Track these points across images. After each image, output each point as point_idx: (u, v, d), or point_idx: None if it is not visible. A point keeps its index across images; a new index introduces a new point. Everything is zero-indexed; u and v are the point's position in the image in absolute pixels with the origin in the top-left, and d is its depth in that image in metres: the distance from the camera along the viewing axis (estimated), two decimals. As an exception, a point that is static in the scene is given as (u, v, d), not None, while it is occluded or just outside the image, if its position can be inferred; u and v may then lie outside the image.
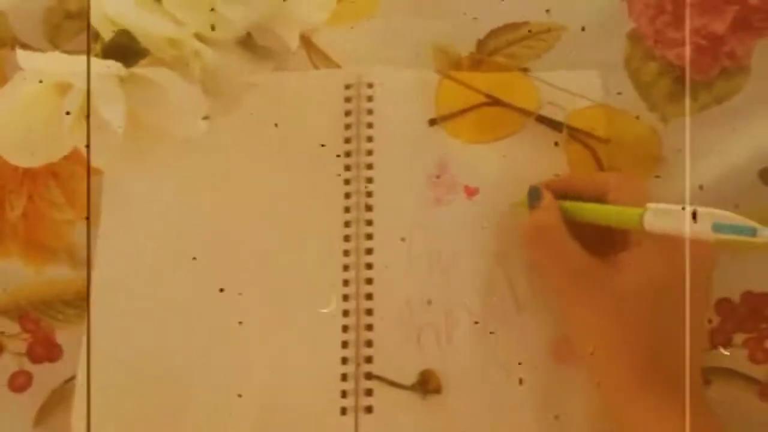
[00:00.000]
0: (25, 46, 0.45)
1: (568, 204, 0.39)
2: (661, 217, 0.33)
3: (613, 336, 0.36)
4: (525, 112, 0.43)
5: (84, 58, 0.35)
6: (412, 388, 0.40)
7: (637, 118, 0.44)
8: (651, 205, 0.34)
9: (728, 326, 0.41)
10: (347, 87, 0.44)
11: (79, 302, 0.41)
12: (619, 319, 0.36)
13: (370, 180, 0.43)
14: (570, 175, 0.42)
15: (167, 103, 0.38)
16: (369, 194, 0.43)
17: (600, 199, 0.38)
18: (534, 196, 0.39)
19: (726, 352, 0.40)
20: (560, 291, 0.38)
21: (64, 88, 0.36)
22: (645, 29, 0.46)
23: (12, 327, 0.41)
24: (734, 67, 0.45)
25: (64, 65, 0.35)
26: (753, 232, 0.29)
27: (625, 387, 0.35)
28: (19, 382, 0.40)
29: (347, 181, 0.43)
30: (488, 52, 0.46)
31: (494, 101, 0.44)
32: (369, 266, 0.41)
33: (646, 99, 0.45)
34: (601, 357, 0.36)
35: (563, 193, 0.39)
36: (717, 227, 0.30)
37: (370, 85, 0.44)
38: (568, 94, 0.43)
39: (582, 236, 0.38)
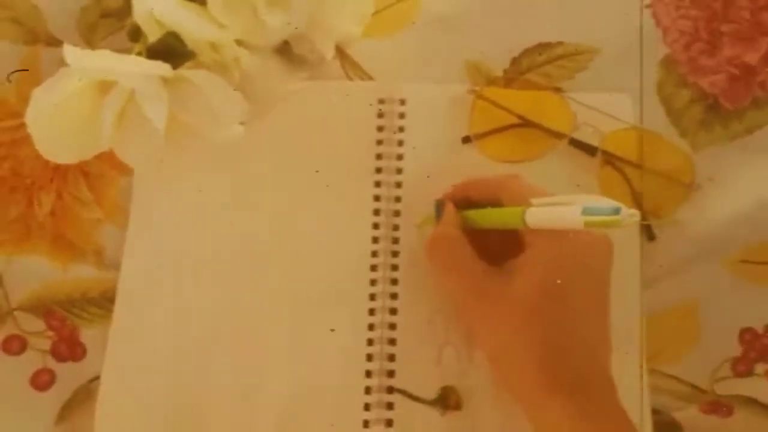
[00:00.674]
0: (58, 43, 0.45)
1: (469, 212, 0.39)
2: (540, 211, 0.33)
3: (513, 344, 0.35)
4: (558, 135, 0.43)
5: (132, 57, 0.35)
6: (432, 403, 0.40)
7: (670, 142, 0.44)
8: (533, 200, 0.34)
9: (751, 355, 0.41)
10: (381, 102, 0.44)
11: (105, 302, 0.41)
12: (516, 325, 0.35)
13: (398, 197, 0.43)
14: (468, 182, 0.41)
15: (208, 106, 0.38)
16: (397, 213, 0.43)
17: (496, 203, 0.38)
18: (439, 207, 0.40)
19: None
20: (460, 303, 0.38)
21: (106, 87, 0.36)
22: (679, 56, 0.46)
23: (37, 324, 0.40)
24: (766, 97, 0.45)
25: (112, 63, 0.35)
26: (617, 212, 0.29)
27: (535, 393, 0.34)
28: (43, 380, 0.40)
29: (377, 198, 0.43)
30: (522, 70, 0.46)
31: (527, 123, 0.44)
32: (394, 282, 0.41)
33: (678, 125, 0.45)
34: (507, 365, 0.36)
35: (466, 201, 0.39)
36: (586, 211, 0.30)
37: (403, 102, 0.44)
38: (604, 116, 0.43)
39: (486, 245, 0.38)
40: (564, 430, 0.34)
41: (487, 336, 0.37)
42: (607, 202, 0.30)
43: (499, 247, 0.37)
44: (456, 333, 0.41)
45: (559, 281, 0.35)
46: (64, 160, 0.39)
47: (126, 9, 0.45)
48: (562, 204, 0.32)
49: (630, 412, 0.36)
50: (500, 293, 0.36)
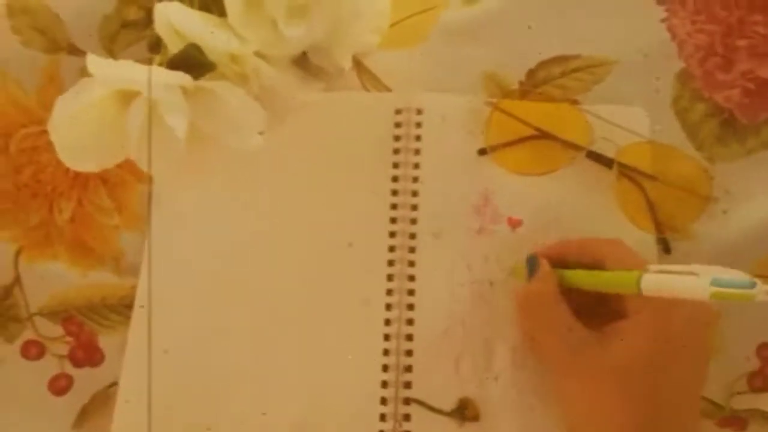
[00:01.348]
0: (79, 52, 0.46)
1: (567, 272, 0.38)
2: (660, 279, 0.32)
3: (604, 413, 0.34)
4: (575, 147, 0.44)
5: (154, 67, 0.36)
6: (450, 414, 0.40)
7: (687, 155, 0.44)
8: (650, 266, 0.33)
9: (768, 371, 0.41)
10: (397, 112, 0.45)
11: (123, 308, 0.41)
12: (608, 393, 0.34)
13: (414, 207, 0.43)
14: (566, 242, 0.40)
15: (227, 116, 0.38)
16: (413, 221, 0.43)
17: (597, 266, 0.37)
18: (532, 264, 0.38)
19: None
20: (551, 363, 0.37)
21: (128, 97, 0.37)
22: (694, 70, 0.46)
23: (55, 330, 0.41)
24: (782, 112, 0.45)
25: (134, 73, 0.35)
26: (752, 286, 0.28)
27: None
28: (60, 385, 0.40)
29: (393, 206, 0.43)
30: (538, 82, 0.46)
31: (544, 135, 0.44)
32: (411, 292, 0.42)
33: (693, 139, 0.45)
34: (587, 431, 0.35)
35: (562, 260, 0.38)
36: (716, 282, 0.29)
37: (420, 111, 0.45)
38: (620, 129, 0.43)
39: (580, 306, 0.37)
40: None
41: (575, 402, 0.36)
42: (739, 275, 0.29)
43: (595, 310, 0.36)
44: (473, 343, 0.41)
45: (663, 351, 0.34)
46: (85, 168, 0.39)
47: (146, 20, 0.46)
48: (680, 272, 0.31)
49: None
50: (598, 358, 0.34)
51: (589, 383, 0.35)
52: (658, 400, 0.34)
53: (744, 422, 0.40)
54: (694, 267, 0.30)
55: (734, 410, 0.40)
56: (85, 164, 0.39)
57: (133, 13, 0.47)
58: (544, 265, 0.38)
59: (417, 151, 0.44)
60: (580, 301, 0.37)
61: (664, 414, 0.34)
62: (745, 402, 0.40)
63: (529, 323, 0.39)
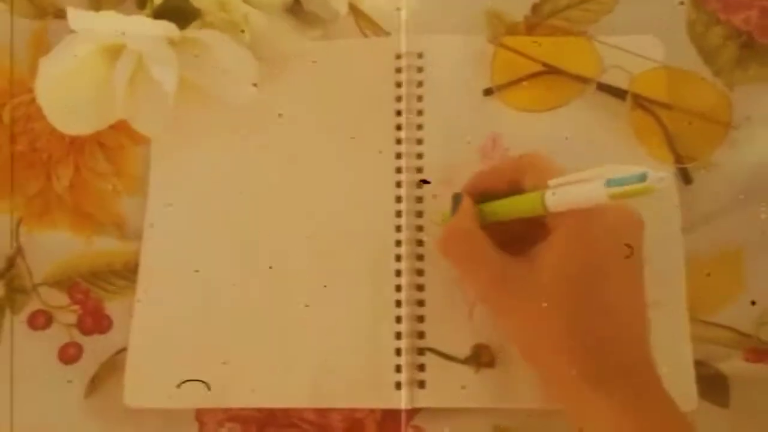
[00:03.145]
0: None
1: (485, 205, 0.36)
2: (560, 192, 0.31)
3: (546, 336, 0.33)
4: (585, 80, 0.41)
5: (138, 17, 0.34)
6: (465, 361, 0.39)
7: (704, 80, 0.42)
8: (550, 182, 0.32)
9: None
10: (398, 57, 0.43)
11: (128, 273, 0.40)
12: (545, 317, 0.32)
13: (420, 155, 0.41)
14: (482, 172, 0.39)
15: (219, 67, 0.37)
16: (419, 169, 0.41)
17: (518, 189, 0.35)
18: (456, 202, 0.37)
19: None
20: (484, 297, 0.37)
21: (115, 51, 0.36)
22: (709, -8, 0.44)
23: (61, 298, 0.40)
24: (804, 30, 0.43)
25: (118, 25, 0.34)
26: (643, 178, 0.27)
27: (573, 388, 0.32)
28: (70, 354, 0.39)
29: (398, 155, 0.41)
30: (544, 15, 0.44)
31: (552, 69, 0.42)
32: (419, 243, 0.40)
33: (711, 64, 0.43)
34: (541, 360, 0.34)
35: (483, 193, 0.37)
36: (610, 183, 0.28)
37: (421, 55, 0.43)
38: (632, 57, 0.41)
39: (508, 237, 0.35)
40: (609, 426, 0.31)
41: (515, 330, 0.35)
42: (631, 170, 0.28)
43: (524, 238, 0.35)
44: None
45: (585, 263, 0.33)
46: (77, 131, 0.38)
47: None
48: (582, 180, 0.30)
49: (678, 366, 0.36)
50: (523, 282, 0.34)
51: (523, 311, 0.34)
52: (593, 315, 0.33)
53: (774, 355, 0.38)
54: (591, 172, 0.30)
55: (764, 341, 0.38)
56: (77, 127, 0.38)
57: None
58: (465, 202, 0.37)
59: (419, 98, 0.42)
60: (509, 233, 0.35)
61: (607, 329, 0.32)
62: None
63: (453, 261, 0.37)
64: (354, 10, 0.44)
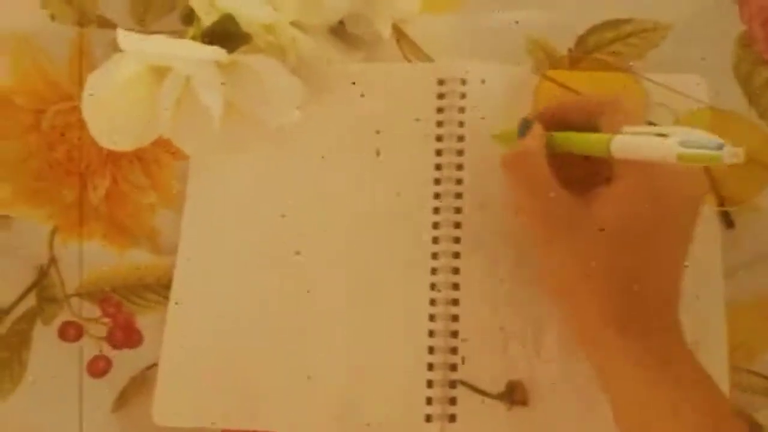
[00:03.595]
0: (110, 24, 0.44)
1: (557, 135, 0.36)
2: (630, 140, 0.31)
3: (585, 275, 0.33)
4: (630, 116, 0.41)
5: (187, 42, 0.34)
6: (498, 397, 0.38)
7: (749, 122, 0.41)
8: (626, 128, 0.32)
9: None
10: (440, 83, 0.43)
11: (161, 288, 0.40)
12: (590, 256, 0.33)
13: (459, 181, 0.41)
14: (562, 102, 0.39)
15: (264, 90, 0.37)
16: (458, 195, 0.41)
17: (592, 126, 0.35)
18: (524, 126, 0.37)
19: None
20: (532, 225, 0.36)
21: (161, 73, 0.36)
22: (756, 33, 0.43)
23: (92, 311, 0.40)
24: None
25: (167, 49, 0.33)
26: (719, 147, 0.27)
27: (600, 331, 0.33)
28: (99, 367, 0.39)
29: (437, 181, 0.41)
30: (588, 49, 0.44)
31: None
32: (455, 271, 0.40)
33: (757, 106, 0.42)
34: (576, 298, 0.34)
35: (557, 123, 0.37)
36: (685, 144, 0.28)
37: (464, 82, 0.43)
38: (677, 95, 0.40)
39: (572, 175, 0.35)
40: (627, 373, 0.32)
41: (555, 264, 0.35)
42: (709, 136, 0.28)
43: (587, 178, 0.35)
44: (522, 323, 0.39)
45: (642, 214, 0.33)
46: (119, 147, 0.38)
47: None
48: (657, 134, 0.30)
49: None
50: (579, 221, 0.34)
51: (570, 246, 0.34)
52: (638, 267, 0.33)
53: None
54: (668, 128, 0.29)
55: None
56: (119, 143, 0.37)
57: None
58: (536, 127, 0.36)
59: (461, 123, 0.42)
60: (572, 172, 0.35)
61: (647, 283, 0.33)
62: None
63: (514, 185, 0.37)
64: (398, 33, 0.44)
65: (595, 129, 0.35)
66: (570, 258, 0.34)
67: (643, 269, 0.33)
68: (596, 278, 0.33)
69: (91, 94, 0.35)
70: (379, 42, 0.43)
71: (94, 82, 0.35)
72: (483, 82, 0.42)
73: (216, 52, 0.35)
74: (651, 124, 0.41)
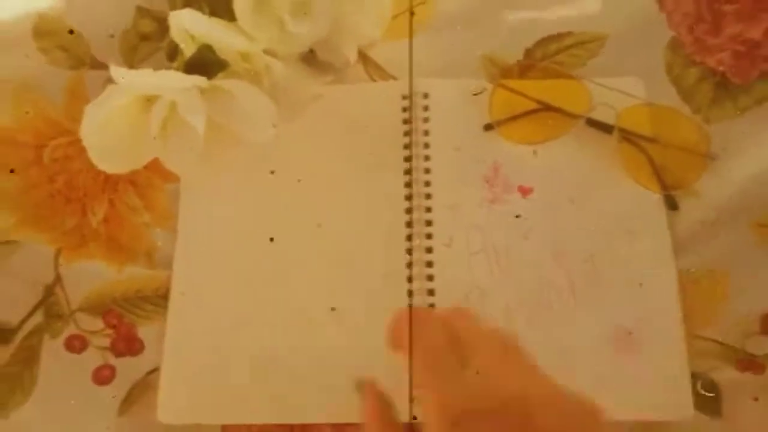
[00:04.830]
0: (101, 66, 0.49)
1: None
2: None
3: None
4: (576, 116, 0.46)
5: (172, 72, 0.38)
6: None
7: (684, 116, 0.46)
8: None
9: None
10: (404, 97, 0.47)
11: (158, 299, 0.44)
12: None
13: (428, 183, 0.45)
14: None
15: (242, 111, 0.41)
16: (428, 196, 0.45)
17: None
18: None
19: None
20: None
21: (150, 100, 0.40)
22: (684, 38, 0.48)
23: (95, 324, 0.43)
24: (773, 70, 0.47)
25: (154, 79, 0.38)
26: None
27: None
28: (103, 375, 0.42)
29: (407, 184, 0.45)
30: (535, 60, 0.48)
31: (546, 107, 0.46)
32: (429, 264, 0.44)
33: (690, 102, 0.47)
34: None
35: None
36: None
37: (426, 95, 0.47)
38: (617, 94, 0.45)
39: None
40: None
41: None
42: None
43: None
44: (492, 308, 0.43)
45: None
46: (116, 170, 0.42)
47: (161, 31, 0.49)
48: None
49: (674, 377, 0.40)
50: None
51: None
52: None
53: (761, 366, 0.41)
54: None
55: (749, 354, 0.41)
56: (117, 166, 0.41)
57: (149, 26, 0.50)
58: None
59: (426, 132, 0.46)
60: None
61: None
62: (759, 345, 0.42)
63: None
64: (363, 57, 0.49)
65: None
66: None
67: None
68: None
69: (89, 123, 0.39)
70: (346, 66, 0.48)
71: (91, 111, 0.39)
72: (443, 94, 0.47)
73: (197, 80, 0.39)
74: (595, 122, 0.45)
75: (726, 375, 0.41)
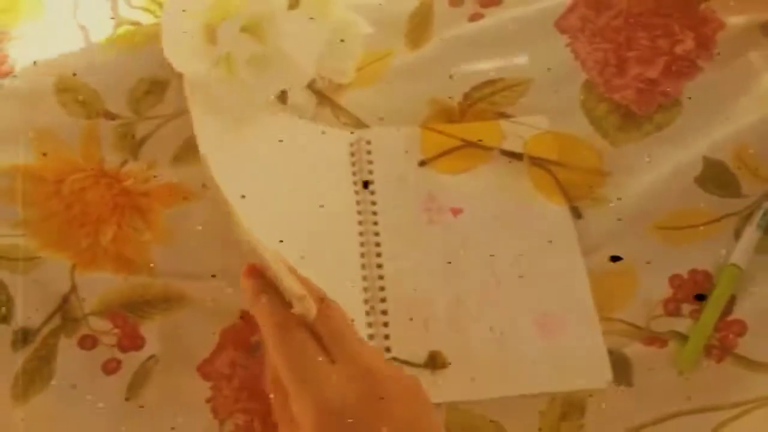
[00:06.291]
0: (113, 116, 0.58)
1: None
2: None
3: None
4: (492, 148, 0.56)
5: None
6: (423, 366, 0.49)
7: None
8: None
9: (679, 296, 0.51)
10: (351, 144, 0.57)
11: (157, 302, 0.51)
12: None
13: (375, 212, 0.54)
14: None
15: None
16: (375, 223, 0.54)
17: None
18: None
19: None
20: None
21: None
22: (596, 79, 0.59)
23: (104, 325, 0.51)
24: (668, 102, 0.57)
25: None
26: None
27: None
28: (111, 367, 0.49)
29: (359, 212, 0.54)
30: (474, 101, 0.58)
31: (467, 143, 0.57)
32: (381, 277, 0.52)
33: (599, 130, 0.57)
34: None
35: None
36: None
37: (369, 142, 0.57)
38: (524, 127, 0.56)
39: None
40: None
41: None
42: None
43: None
44: (438, 306, 0.51)
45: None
46: (179, 64, 0.52)
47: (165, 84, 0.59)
48: None
49: (593, 351, 0.48)
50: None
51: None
52: None
53: (664, 341, 0.49)
54: None
55: (654, 331, 0.49)
56: (180, 60, 0.52)
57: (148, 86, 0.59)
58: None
59: (370, 171, 0.56)
60: None
61: None
62: (662, 324, 0.50)
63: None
64: (330, 102, 0.59)
65: None
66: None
67: None
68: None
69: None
70: (313, 109, 0.58)
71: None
72: (383, 141, 0.57)
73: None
74: (507, 152, 0.56)
75: (635, 349, 0.49)
